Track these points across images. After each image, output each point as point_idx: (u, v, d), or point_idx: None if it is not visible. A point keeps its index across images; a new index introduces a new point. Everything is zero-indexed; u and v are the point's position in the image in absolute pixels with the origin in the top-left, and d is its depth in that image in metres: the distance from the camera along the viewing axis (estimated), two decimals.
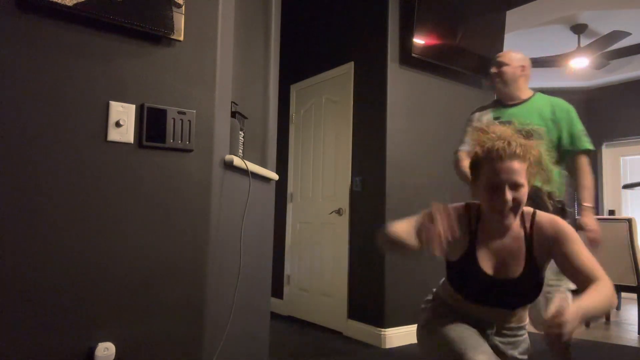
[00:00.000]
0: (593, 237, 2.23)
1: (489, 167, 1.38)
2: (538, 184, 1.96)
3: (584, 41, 5.53)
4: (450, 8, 3.74)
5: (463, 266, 1.45)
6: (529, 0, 4.07)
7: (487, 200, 1.39)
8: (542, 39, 5.69)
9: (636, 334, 3.86)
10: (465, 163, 2.38)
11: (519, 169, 1.36)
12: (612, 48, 5.65)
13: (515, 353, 1.50)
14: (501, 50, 4.07)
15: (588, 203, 2.29)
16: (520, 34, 5.32)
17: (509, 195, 1.34)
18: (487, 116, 2.49)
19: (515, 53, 2.50)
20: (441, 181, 3.64)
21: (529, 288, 1.43)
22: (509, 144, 1.37)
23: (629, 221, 3.91)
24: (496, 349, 1.46)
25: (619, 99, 6.36)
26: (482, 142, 1.42)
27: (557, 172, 2.28)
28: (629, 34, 4.90)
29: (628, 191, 6.27)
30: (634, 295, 4.22)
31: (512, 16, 4.22)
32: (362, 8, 3.78)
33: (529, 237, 1.43)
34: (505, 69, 2.44)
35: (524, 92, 2.47)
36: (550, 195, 2.16)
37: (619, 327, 4.17)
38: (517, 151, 1.37)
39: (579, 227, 2.27)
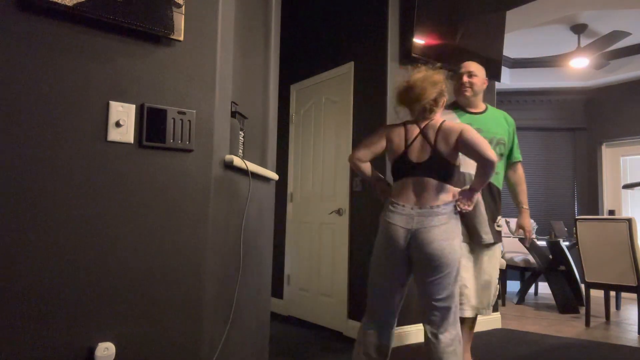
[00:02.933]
0: (529, 236, 2.67)
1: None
2: (500, 187, 2.55)
3: (584, 41, 5.53)
4: (450, 8, 3.74)
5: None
6: (529, 0, 4.07)
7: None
8: (542, 39, 5.69)
9: (636, 334, 3.86)
10: None
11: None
12: (612, 48, 5.66)
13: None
14: (501, 50, 4.07)
15: (526, 205, 2.67)
16: (520, 34, 5.33)
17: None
18: (451, 117, 2.51)
19: (479, 65, 2.60)
20: None
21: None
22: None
23: (629, 221, 3.91)
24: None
25: (619, 99, 6.37)
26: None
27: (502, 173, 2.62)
28: (629, 34, 4.90)
29: (628, 191, 6.27)
30: (634, 295, 4.23)
31: (512, 16, 4.22)
32: (362, 8, 3.78)
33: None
34: (475, 79, 2.54)
35: (482, 103, 2.62)
36: (500, 196, 2.57)
37: (619, 327, 4.17)
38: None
39: (518, 226, 2.64)
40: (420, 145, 2.01)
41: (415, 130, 2.05)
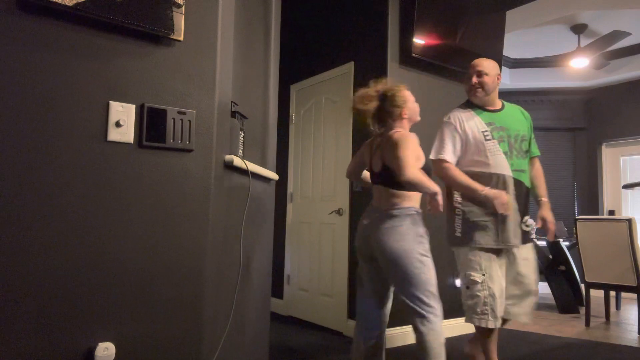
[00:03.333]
0: (552, 228, 2.45)
1: (411, 99, 2.24)
2: (528, 185, 2.45)
3: (584, 41, 5.53)
4: (450, 8, 3.74)
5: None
6: (529, 0, 4.07)
7: (417, 115, 2.29)
8: (542, 39, 5.69)
9: (636, 334, 3.86)
10: (458, 173, 2.39)
11: None
12: (612, 48, 5.66)
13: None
14: (501, 50, 4.07)
15: (547, 198, 2.53)
16: (520, 34, 5.33)
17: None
18: (476, 119, 2.43)
19: (490, 62, 2.50)
20: (440, 180, 3.63)
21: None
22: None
23: (629, 221, 3.91)
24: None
25: (619, 99, 6.37)
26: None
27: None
28: (629, 34, 4.90)
29: (628, 191, 6.27)
30: (634, 295, 4.22)
31: (512, 16, 4.22)
32: (362, 8, 3.78)
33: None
34: (485, 79, 2.44)
35: (498, 100, 2.53)
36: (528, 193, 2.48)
37: (619, 327, 4.17)
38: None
39: (540, 219, 2.45)
40: (378, 156, 2.21)
41: (377, 142, 2.24)
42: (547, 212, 2.45)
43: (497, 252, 2.37)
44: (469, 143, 2.42)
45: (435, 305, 2.04)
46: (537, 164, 2.59)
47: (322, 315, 3.89)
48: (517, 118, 2.48)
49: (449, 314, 3.68)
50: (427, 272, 2.05)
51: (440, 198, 2.05)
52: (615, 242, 3.96)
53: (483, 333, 2.41)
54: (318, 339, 3.48)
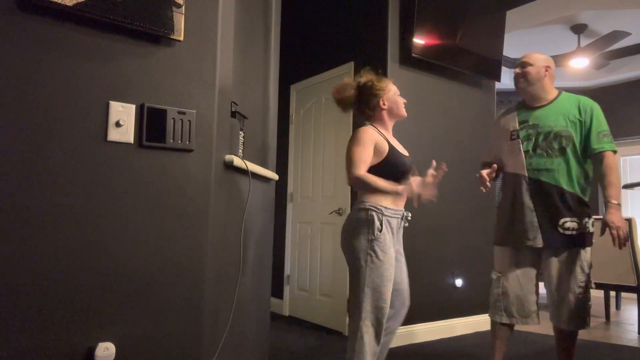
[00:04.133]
0: (617, 234, 2.17)
1: (393, 91, 2.18)
2: (564, 185, 2.29)
3: (584, 41, 5.53)
4: (450, 8, 3.74)
5: (395, 157, 2.07)
6: (529, 0, 4.07)
7: (400, 108, 2.19)
8: (542, 39, 5.69)
9: (636, 334, 3.86)
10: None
11: None
12: (612, 48, 5.66)
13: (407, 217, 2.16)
14: (501, 50, 4.07)
15: (614, 200, 2.21)
16: (520, 34, 5.33)
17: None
18: (513, 119, 2.41)
19: (538, 54, 2.42)
20: (440, 180, 3.63)
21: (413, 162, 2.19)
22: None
23: (629, 221, 3.91)
24: (399, 236, 2.13)
25: (619, 99, 6.37)
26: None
27: (577, 174, 2.30)
28: (629, 34, 4.90)
29: (628, 191, 6.27)
30: (634, 295, 4.22)
31: (512, 16, 4.22)
32: (362, 8, 3.78)
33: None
34: (529, 69, 2.36)
35: (550, 93, 2.38)
36: (571, 194, 2.29)
37: (619, 327, 4.17)
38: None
39: (603, 224, 2.21)
40: None
41: None
42: (611, 216, 2.18)
43: (520, 250, 2.32)
44: (503, 146, 2.44)
45: (366, 308, 1.94)
46: (605, 160, 2.25)
47: (322, 315, 3.89)
48: (562, 113, 2.31)
49: (448, 314, 3.68)
50: (370, 272, 1.94)
51: (415, 190, 2.00)
52: None
53: (492, 327, 2.41)
54: (318, 339, 3.48)
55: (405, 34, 3.56)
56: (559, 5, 4.25)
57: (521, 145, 2.34)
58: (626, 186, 5.20)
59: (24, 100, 1.32)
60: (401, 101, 2.19)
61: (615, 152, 2.27)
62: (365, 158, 2.01)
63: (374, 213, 1.99)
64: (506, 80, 6.28)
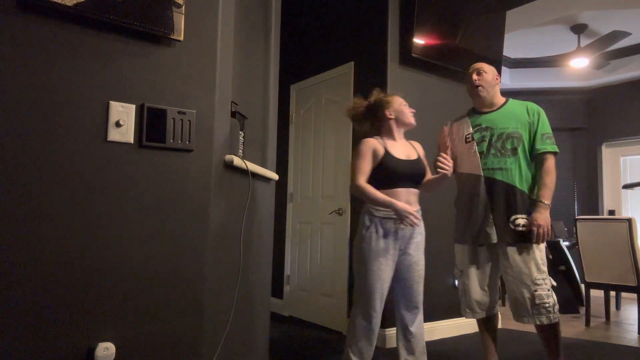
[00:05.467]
0: (537, 231, 2.30)
1: (398, 102, 2.37)
2: (517, 183, 2.39)
3: (584, 41, 5.53)
4: (450, 8, 3.74)
5: (388, 161, 2.24)
6: (529, 0, 4.07)
7: (406, 116, 2.36)
8: (542, 39, 5.69)
9: (636, 334, 3.86)
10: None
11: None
12: (612, 48, 5.66)
13: (420, 230, 2.33)
14: (501, 50, 4.07)
15: (543, 199, 2.34)
16: (520, 34, 5.33)
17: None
18: (466, 124, 2.55)
19: (486, 64, 2.58)
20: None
21: (422, 166, 2.35)
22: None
23: (629, 221, 3.91)
24: (411, 233, 2.28)
25: (619, 99, 6.36)
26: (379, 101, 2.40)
27: (526, 172, 2.42)
28: (629, 34, 4.90)
29: (628, 191, 6.27)
30: (634, 295, 4.22)
31: (512, 16, 4.22)
32: (362, 8, 3.78)
33: (410, 144, 2.43)
34: (486, 76, 2.51)
35: (500, 99, 2.54)
36: (521, 192, 2.39)
37: (619, 327, 4.17)
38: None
39: (530, 221, 2.33)
40: None
41: None
42: (536, 214, 2.32)
43: (476, 247, 2.46)
44: (458, 149, 2.54)
45: (362, 310, 2.22)
46: (545, 163, 2.39)
47: (322, 315, 3.89)
48: (513, 116, 2.44)
49: (448, 314, 3.68)
50: (361, 276, 2.22)
51: (400, 210, 2.15)
52: (615, 242, 3.96)
53: (477, 323, 2.58)
54: (318, 339, 3.48)
55: (405, 34, 3.56)
56: (559, 5, 4.25)
57: (476, 147, 2.46)
58: (626, 186, 5.20)
59: (24, 101, 1.32)
60: (408, 111, 2.38)
61: (556, 153, 2.42)
62: (364, 168, 2.25)
63: (366, 216, 2.26)
64: (506, 80, 6.28)
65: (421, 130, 3.67)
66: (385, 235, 2.22)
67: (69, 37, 1.40)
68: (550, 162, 2.40)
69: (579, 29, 5.33)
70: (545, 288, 2.34)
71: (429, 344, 3.37)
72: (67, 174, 1.38)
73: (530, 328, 3.91)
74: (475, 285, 2.47)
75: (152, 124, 1.51)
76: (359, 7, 3.81)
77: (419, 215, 2.23)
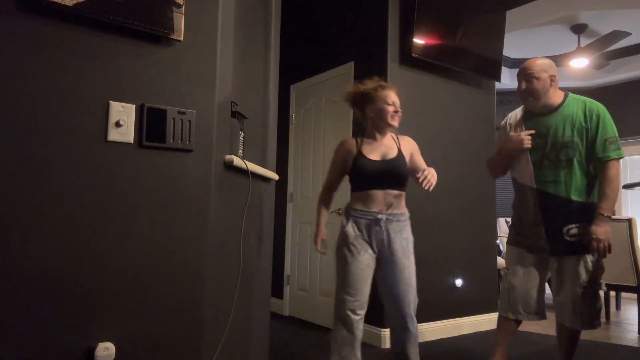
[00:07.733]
0: (597, 245, 2.17)
1: (382, 100, 2.26)
2: (571, 195, 2.25)
3: (584, 41, 5.53)
4: (450, 8, 3.74)
5: (358, 163, 2.22)
6: (529, 0, 4.07)
7: (384, 118, 2.25)
8: (542, 39, 5.69)
9: (636, 334, 3.86)
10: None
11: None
12: (612, 48, 5.66)
13: (402, 235, 2.23)
14: (501, 50, 4.07)
15: (603, 211, 2.18)
16: (520, 34, 5.33)
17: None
18: (520, 127, 2.38)
19: (542, 61, 2.34)
20: (440, 180, 3.63)
21: (400, 165, 2.23)
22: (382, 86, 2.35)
23: (629, 221, 3.91)
24: (388, 238, 2.21)
25: (619, 99, 6.37)
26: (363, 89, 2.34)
27: (582, 182, 2.26)
28: (629, 34, 4.90)
29: (628, 191, 6.27)
30: (634, 295, 4.22)
31: (512, 16, 4.22)
32: (362, 8, 3.78)
33: (396, 141, 2.34)
34: (535, 85, 2.28)
35: (556, 99, 2.32)
36: (577, 202, 2.25)
37: (619, 327, 4.17)
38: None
39: (589, 234, 2.20)
40: None
41: None
42: (596, 227, 2.17)
43: (529, 252, 2.35)
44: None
45: (342, 305, 2.25)
46: (606, 170, 2.21)
47: (322, 315, 3.89)
48: (569, 121, 2.26)
49: (448, 314, 3.68)
50: (341, 270, 2.29)
51: (317, 236, 2.38)
52: (615, 242, 3.92)
53: (499, 321, 2.44)
54: (318, 339, 3.48)
55: (405, 34, 3.56)
56: (559, 5, 4.25)
57: (529, 156, 2.32)
58: (626, 186, 5.20)
59: (24, 101, 1.32)
60: (390, 111, 2.23)
61: (621, 158, 2.23)
62: (329, 177, 2.40)
63: (344, 214, 2.33)
64: (506, 80, 6.28)
65: (421, 130, 3.67)
66: (361, 235, 2.22)
67: (69, 37, 1.40)
68: (614, 170, 2.20)
69: (579, 29, 5.34)
70: (593, 294, 2.25)
71: (429, 344, 3.37)
72: (67, 174, 1.38)
73: (530, 328, 3.91)
74: (522, 286, 2.32)
75: (152, 124, 1.51)
76: (359, 7, 3.81)
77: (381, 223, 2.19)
